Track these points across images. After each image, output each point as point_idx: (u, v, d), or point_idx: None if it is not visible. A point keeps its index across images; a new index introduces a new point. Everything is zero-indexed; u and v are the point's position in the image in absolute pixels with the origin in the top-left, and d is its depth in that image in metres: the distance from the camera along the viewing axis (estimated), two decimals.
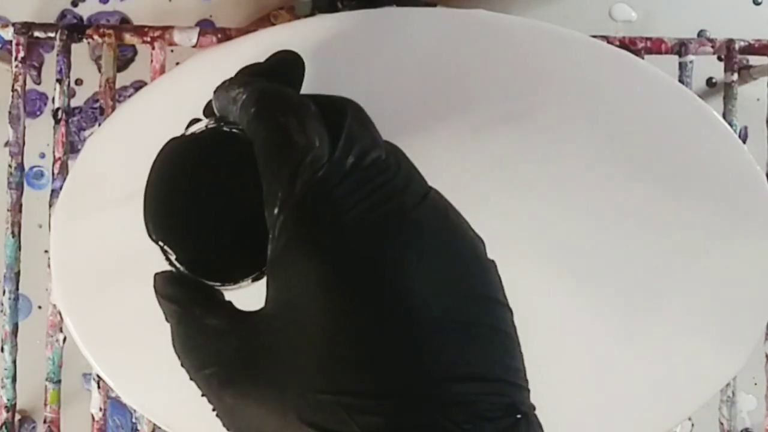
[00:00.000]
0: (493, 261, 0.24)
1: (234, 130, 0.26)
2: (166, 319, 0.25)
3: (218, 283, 0.26)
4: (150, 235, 0.26)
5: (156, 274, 0.26)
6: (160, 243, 0.26)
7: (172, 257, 0.26)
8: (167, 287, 0.25)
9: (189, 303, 0.25)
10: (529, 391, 0.23)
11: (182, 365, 0.24)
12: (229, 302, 0.25)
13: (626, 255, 0.36)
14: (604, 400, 0.37)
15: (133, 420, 0.40)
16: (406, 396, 0.20)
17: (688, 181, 0.36)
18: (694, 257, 0.36)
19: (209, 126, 0.26)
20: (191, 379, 0.24)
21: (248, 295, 0.25)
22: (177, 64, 0.41)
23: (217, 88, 0.27)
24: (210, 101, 0.28)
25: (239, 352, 0.23)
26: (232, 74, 0.35)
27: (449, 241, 0.23)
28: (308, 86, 0.36)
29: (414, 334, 0.21)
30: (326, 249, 0.22)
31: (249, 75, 0.27)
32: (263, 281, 0.24)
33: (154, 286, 0.26)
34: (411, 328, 0.21)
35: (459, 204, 0.24)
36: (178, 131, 0.26)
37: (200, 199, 0.26)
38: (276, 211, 0.23)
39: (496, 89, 0.36)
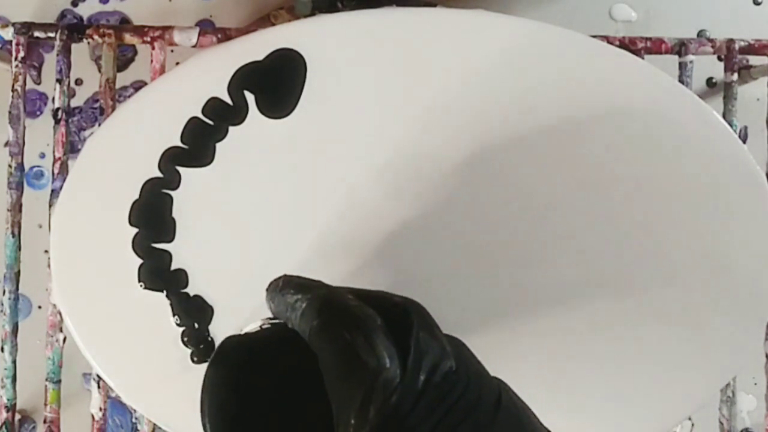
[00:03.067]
0: None
1: (290, 331, 0.25)
2: None
3: None
4: None
5: None
6: None
7: None
8: None
9: None
10: None
11: None
12: None
13: (627, 254, 0.36)
14: (603, 399, 0.37)
15: (133, 420, 0.40)
16: None
17: (688, 181, 0.36)
18: (693, 257, 0.36)
19: (264, 327, 0.26)
20: None
21: None
22: (177, 64, 0.41)
23: (270, 286, 0.26)
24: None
25: None
26: (232, 74, 0.36)
27: None
28: (309, 86, 0.36)
29: None
30: None
31: (304, 279, 0.25)
32: None
33: None
34: None
35: None
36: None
37: (262, 406, 0.24)
38: None
39: (495, 90, 0.36)
